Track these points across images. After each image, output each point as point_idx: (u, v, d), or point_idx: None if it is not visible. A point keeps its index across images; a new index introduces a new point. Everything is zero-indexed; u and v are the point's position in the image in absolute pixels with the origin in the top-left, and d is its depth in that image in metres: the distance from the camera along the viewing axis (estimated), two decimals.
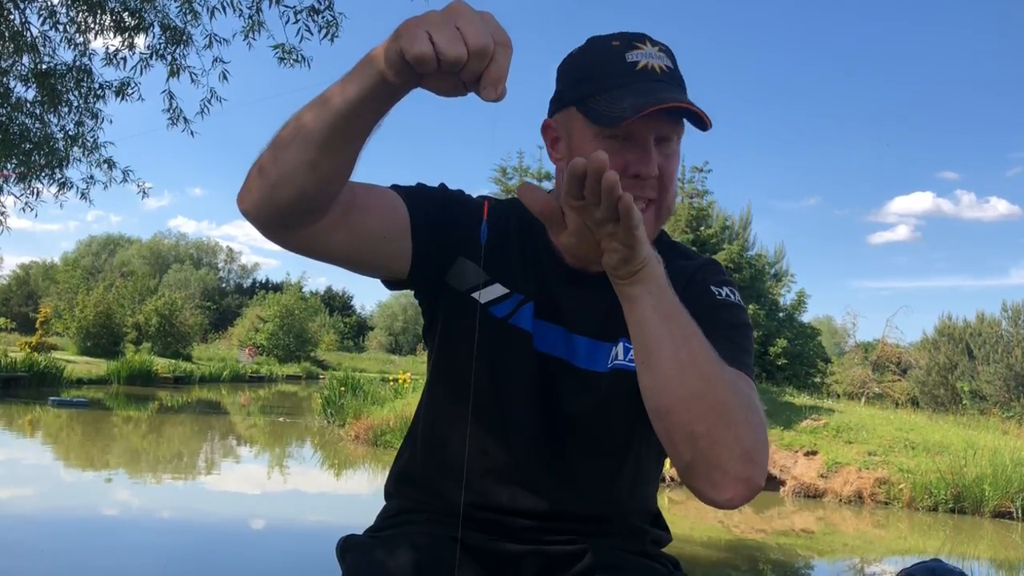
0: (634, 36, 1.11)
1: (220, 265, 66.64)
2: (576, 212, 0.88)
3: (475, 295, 1.16)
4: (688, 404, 0.92)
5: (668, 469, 9.31)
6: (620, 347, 1.17)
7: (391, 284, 1.18)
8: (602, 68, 1.10)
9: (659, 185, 1.10)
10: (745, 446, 0.92)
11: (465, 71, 0.79)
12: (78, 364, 21.88)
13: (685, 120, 1.09)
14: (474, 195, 1.24)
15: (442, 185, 1.22)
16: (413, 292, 1.22)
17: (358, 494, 8.31)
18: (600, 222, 0.87)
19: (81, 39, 6.55)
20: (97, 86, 6.76)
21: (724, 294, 1.16)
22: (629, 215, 0.84)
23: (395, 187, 1.15)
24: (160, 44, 6.32)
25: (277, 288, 50.65)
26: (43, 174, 7.07)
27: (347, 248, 1.07)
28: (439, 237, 1.14)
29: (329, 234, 1.02)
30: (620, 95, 1.05)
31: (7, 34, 6.38)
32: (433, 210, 1.14)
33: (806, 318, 18.40)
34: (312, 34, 5.75)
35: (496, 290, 1.17)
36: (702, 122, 1.07)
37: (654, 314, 0.92)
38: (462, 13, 0.80)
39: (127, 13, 6.28)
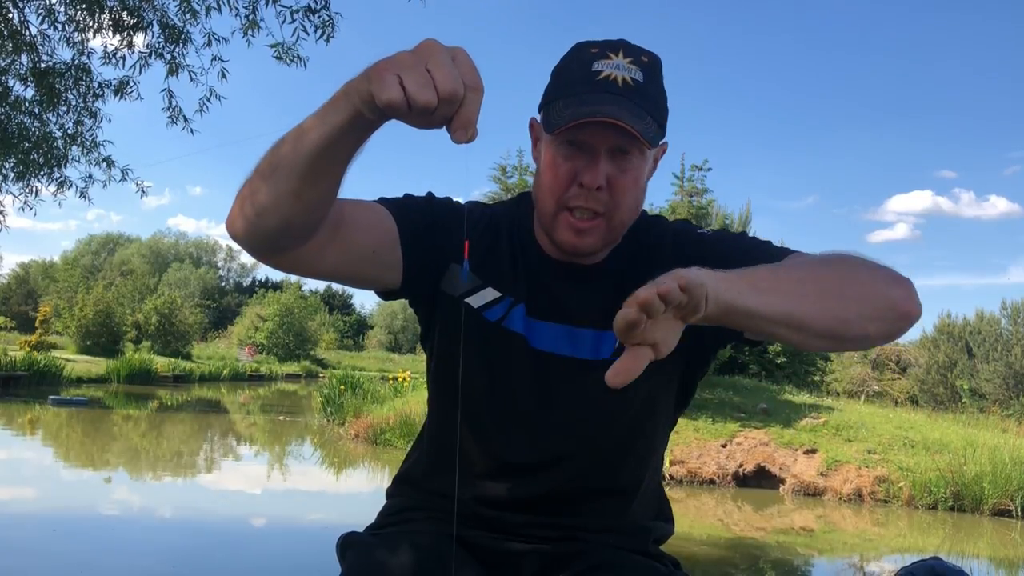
0: (612, 45, 1.10)
1: (220, 264, 66.66)
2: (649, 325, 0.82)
3: (468, 300, 1.17)
4: (840, 311, 0.95)
5: (668, 467, 9.32)
6: None
7: (385, 295, 1.19)
8: (570, 75, 1.10)
9: (609, 198, 1.09)
10: (877, 271, 1.00)
11: (435, 115, 0.79)
12: (78, 363, 21.86)
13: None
14: (462, 200, 1.25)
15: (429, 194, 1.22)
16: (408, 301, 1.22)
17: (358, 492, 8.31)
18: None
19: (80, 38, 6.55)
20: (96, 85, 6.76)
21: (708, 231, 1.21)
22: (692, 285, 0.79)
23: (382, 200, 1.16)
24: (159, 43, 6.32)
25: (277, 287, 50.62)
26: (42, 173, 7.07)
27: (338, 265, 1.08)
28: (429, 246, 1.14)
29: (319, 253, 1.03)
30: (571, 103, 1.06)
31: (6, 32, 6.37)
32: (421, 220, 1.15)
33: None
34: (308, 34, 5.76)
35: (488, 294, 1.18)
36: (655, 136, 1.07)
37: (751, 299, 0.87)
38: (432, 55, 0.78)
39: (126, 12, 6.27)
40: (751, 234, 1.25)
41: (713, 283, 0.83)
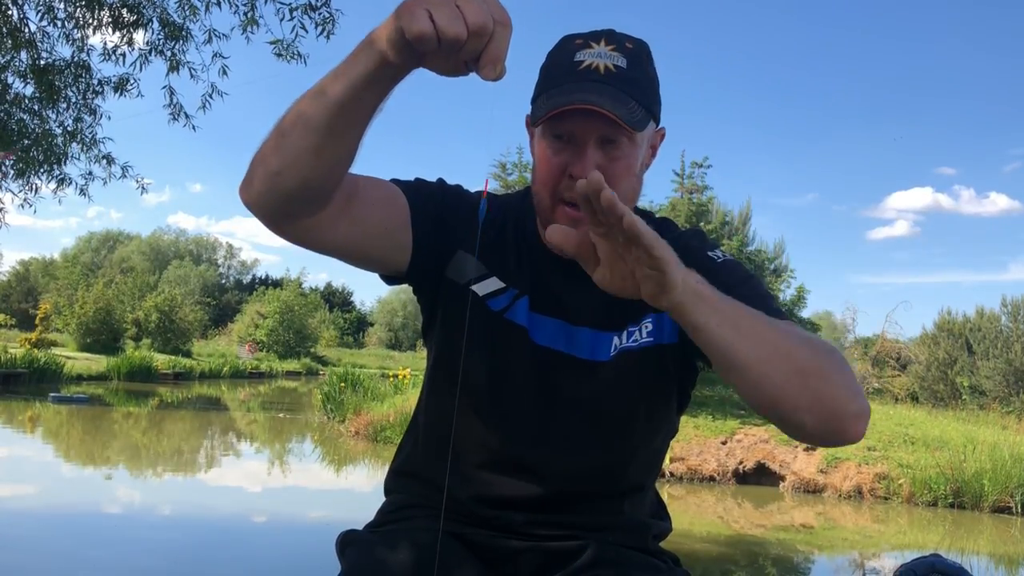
0: (595, 34, 1.10)
1: (220, 261, 66.67)
2: (603, 240, 0.85)
3: (473, 287, 1.17)
4: (793, 393, 0.91)
5: (667, 464, 9.32)
6: (624, 334, 1.17)
7: (390, 279, 1.18)
8: (554, 67, 1.10)
9: None
10: (849, 381, 0.94)
11: (464, 50, 0.79)
12: (78, 360, 21.89)
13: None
14: (472, 190, 1.24)
15: (440, 180, 1.22)
16: (412, 288, 1.22)
17: (358, 489, 8.32)
18: (626, 247, 0.83)
19: (79, 35, 6.54)
20: (96, 82, 6.75)
21: (720, 256, 1.16)
22: (636, 233, 0.80)
23: (395, 181, 1.15)
24: (159, 40, 6.31)
25: (277, 284, 50.65)
26: (42, 170, 7.07)
27: (348, 240, 1.07)
28: (438, 230, 1.14)
29: (331, 225, 1.02)
30: (553, 94, 1.05)
31: (5, 30, 6.36)
32: (432, 204, 1.15)
33: (806, 313, 18.37)
34: (307, 31, 5.76)
35: (493, 283, 1.17)
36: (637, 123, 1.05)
37: (718, 328, 0.89)
38: None
39: (125, 9, 6.26)
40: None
41: (680, 281, 0.85)
